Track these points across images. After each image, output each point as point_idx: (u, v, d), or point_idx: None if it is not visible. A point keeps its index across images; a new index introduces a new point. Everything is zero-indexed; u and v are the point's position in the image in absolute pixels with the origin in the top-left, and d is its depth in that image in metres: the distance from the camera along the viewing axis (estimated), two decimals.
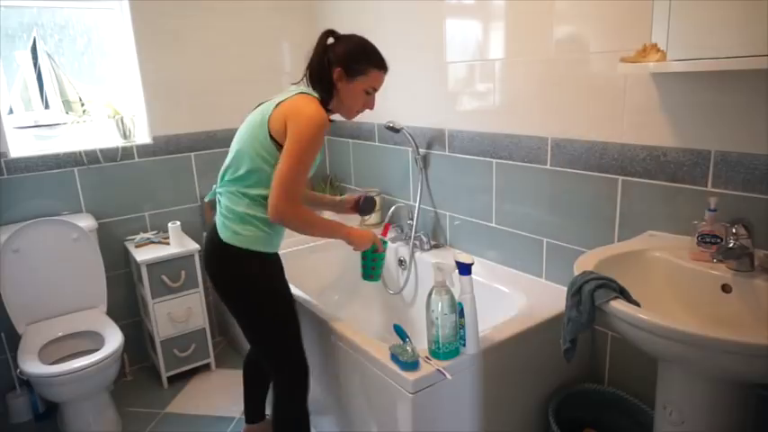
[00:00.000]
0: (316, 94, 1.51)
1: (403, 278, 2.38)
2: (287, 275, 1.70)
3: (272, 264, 1.62)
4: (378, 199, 1.87)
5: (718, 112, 1.35)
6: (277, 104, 1.47)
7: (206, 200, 1.66)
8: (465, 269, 1.41)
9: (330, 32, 1.55)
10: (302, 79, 1.57)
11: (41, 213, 2.28)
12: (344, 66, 1.51)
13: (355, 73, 1.52)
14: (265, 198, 1.47)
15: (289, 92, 1.53)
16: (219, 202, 1.58)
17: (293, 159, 1.40)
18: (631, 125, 1.54)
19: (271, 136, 1.45)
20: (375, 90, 1.58)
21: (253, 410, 1.97)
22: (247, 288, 1.56)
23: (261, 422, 1.98)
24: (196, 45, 2.55)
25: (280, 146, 1.44)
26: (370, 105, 1.60)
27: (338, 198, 1.92)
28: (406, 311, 2.43)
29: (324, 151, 1.62)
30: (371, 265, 1.74)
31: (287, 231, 1.59)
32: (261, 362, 1.81)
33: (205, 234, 1.66)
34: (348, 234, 1.61)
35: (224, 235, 1.52)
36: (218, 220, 1.57)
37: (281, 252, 1.67)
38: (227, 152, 1.58)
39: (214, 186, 1.62)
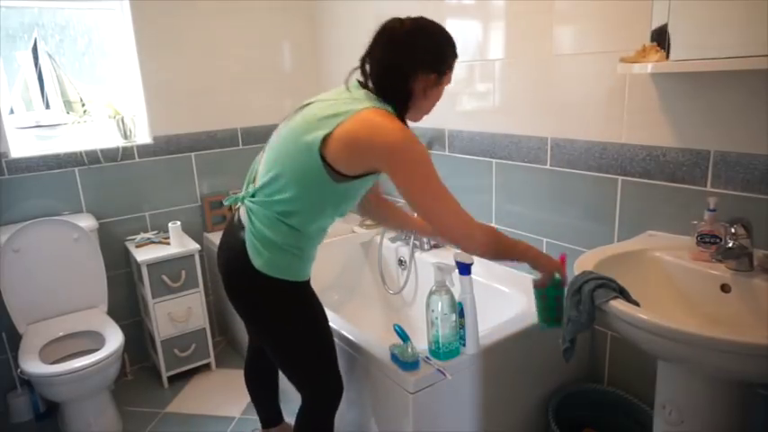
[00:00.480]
0: (387, 107, 1.24)
1: (403, 278, 2.39)
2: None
3: (305, 290, 1.44)
4: None
5: (717, 112, 1.35)
6: (338, 123, 1.19)
7: (225, 204, 1.50)
8: (465, 269, 1.41)
9: (398, 22, 1.27)
10: (366, 86, 1.30)
11: (42, 213, 2.29)
12: (433, 67, 1.26)
13: (443, 73, 1.28)
14: (303, 226, 1.30)
15: (348, 101, 1.24)
16: (250, 218, 1.33)
17: (427, 196, 1.23)
18: (631, 125, 1.54)
19: (323, 158, 1.21)
20: (449, 83, 1.35)
21: (266, 414, 1.84)
22: (280, 318, 1.40)
23: (279, 426, 1.85)
24: (196, 45, 2.55)
25: (336, 171, 1.22)
26: (433, 107, 1.39)
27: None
28: (406, 311, 2.43)
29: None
30: (555, 305, 1.40)
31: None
32: (261, 361, 1.73)
33: (222, 249, 1.45)
34: (535, 258, 1.36)
35: (256, 262, 1.32)
36: (248, 239, 1.33)
37: None
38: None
39: (240, 194, 1.42)
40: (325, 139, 1.19)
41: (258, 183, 1.34)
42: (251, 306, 1.42)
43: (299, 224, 1.30)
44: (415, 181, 1.22)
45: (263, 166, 1.34)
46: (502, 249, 1.32)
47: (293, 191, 1.26)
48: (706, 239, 1.30)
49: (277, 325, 1.42)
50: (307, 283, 1.44)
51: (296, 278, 1.37)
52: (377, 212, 1.67)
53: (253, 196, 1.35)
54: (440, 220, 1.25)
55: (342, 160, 1.21)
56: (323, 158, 1.20)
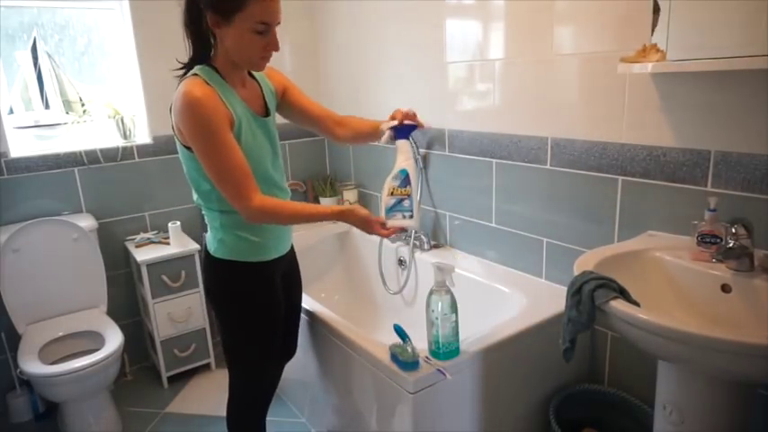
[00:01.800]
0: (190, 74, 1.28)
1: (403, 278, 2.38)
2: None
3: (255, 273, 1.45)
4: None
5: (718, 112, 1.35)
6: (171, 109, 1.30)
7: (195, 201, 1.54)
8: (404, 132, 1.39)
9: None
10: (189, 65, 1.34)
11: (42, 213, 2.28)
12: (214, 7, 1.19)
13: (230, 12, 1.18)
14: (222, 205, 1.35)
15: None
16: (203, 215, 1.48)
17: (205, 159, 1.23)
18: (631, 125, 1.54)
19: (183, 146, 1.30)
20: (268, 25, 1.22)
21: None
22: (223, 298, 1.47)
23: None
24: None
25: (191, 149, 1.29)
26: (274, 46, 1.27)
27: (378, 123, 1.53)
28: (406, 311, 2.43)
29: (269, 124, 1.41)
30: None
31: (283, 232, 1.49)
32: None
33: None
34: (339, 215, 1.35)
35: (211, 247, 1.44)
36: (207, 233, 1.48)
37: None
38: (174, 138, 1.38)
39: None
40: (172, 123, 1.30)
41: None
42: (207, 290, 1.53)
43: (218, 205, 1.36)
44: (197, 145, 1.23)
45: None
46: (283, 220, 1.37)
47: (195, 183, 1.37)
48: (706, 239, 1.30)
49: (220, 303, 1.48)
50: (260, 267, 1.44)
51: (245, 258, 1.41)
52: (346, 134, 1.57)
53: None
54: (217, 186, 1.27)
55: (182, 137, 1.28)
56: (181, 143, 1.31)
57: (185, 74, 1.33)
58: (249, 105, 1.35)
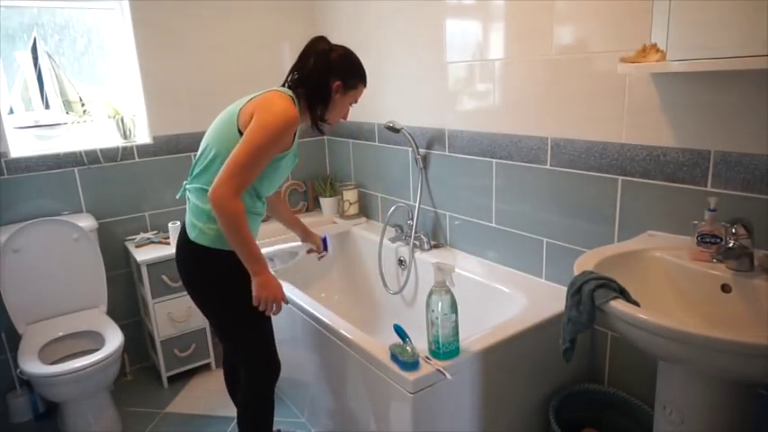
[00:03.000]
0: (291, 94, 1.50)
1: (403, 278, 2.38)
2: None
3: (236, 262, 1.49)
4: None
5: (718, 112, 1.35)
6: (249, 99, 1.47)
7: (177, 197, 1.65)
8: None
9: (323, 39, 1.55)
10: (286, 82, 1.56)
11: (41, 213, 2.28)
12: (344, 79, 1.53)
13: (350, 87, 1.55)
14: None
15: (264, 90, 1.52)
16: (188, 199, 1.55)
17: (250, 145, 1.36)
18: (631, 125, 1.54)
19: (239, 130, 1.43)
20: (356, 103, 1.63)
21: None
22: (214, 288, 1.53)
23: None
24: (196, 45, 2.55)
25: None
26: (347, 116, 1.64)
27: (308, 231, 1.93)
28: (406, 311, 2.43)
29: (298, 155, 1.59)
30: None
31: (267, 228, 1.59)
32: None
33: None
34: (259, 273, 1.44)
35: (191, 234, 1.50)
36: (187, 218, 1.54)
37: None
38: (232, 118, 1.50)
39: (184, 183, 1.59)
40: (240, 111, 1.44)
41: (193, 163, 1.55)
42: (189, 280, 1.57)
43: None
44: (254, 130, 1.38)
45: (199, 149, 1.54)
46: (230, 232, 1.39)
47: (216, 158, 1.45)
48: (706, 239, 1.30)
49: (211, 295, 1.55)
50: (235, 255, 1.50)
51: (228, 246, 1.45)
52: (269, 203, 1.77)
53: (191, 178, 1.55)
54: (230, 161, 1.36)
55: (245, 126, 1.41)
56: (238, 127, 1.43)
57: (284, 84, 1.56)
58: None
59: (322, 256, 1.96)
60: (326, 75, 1.51)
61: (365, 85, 1.61)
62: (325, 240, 1.93)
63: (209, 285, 1.54)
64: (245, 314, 1.53)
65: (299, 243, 1.93)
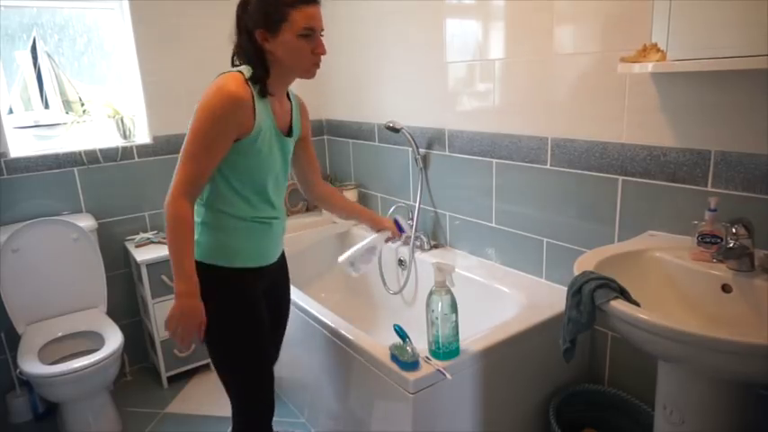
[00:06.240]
0: (238, 70, 1.30)
1: (403, 278, 2.38)
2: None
3: (236, 280, 1.37)
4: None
5: (718, 112, 1.35)
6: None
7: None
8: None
9: (242, 2, 1.31)
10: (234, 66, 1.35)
11: (41, 213, 2.28)
12: (263, 23, 1.25)
13: (276, 24, 1.25)
14: (214, 199, 1.34)
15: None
16: None
17: (189, 136, 1.25)
18: (631, 125, 1.53)
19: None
20: (313, 30, 1.28)
21: None
22: (205, 307, 1.31)
23: None
24: (196, 45, 2.54)
25: None
26: (320, 49, 1.31)
27: (377, 218, 1.71)
28: (406, 311, 2.43)
29: (293, 137, 1.43)
30: None
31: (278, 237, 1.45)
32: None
33: None
34: (182, 294, 1.26)
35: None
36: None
37: None
38: None
39: None
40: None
41: None
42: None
43: (206, 199, 1.35)
44: (195, 123, 1.25)
45: None
46: (168, 235, 1.28)
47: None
48: (707, 239, 1.29)
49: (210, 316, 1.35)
50: (239, 273, 1.37)
51: (223, 262, 1.35)
52: (320, 198, 1.67)
53: None
54: (178, 168, 1.28)
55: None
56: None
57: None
58: (277, 121, 1.37)
59: (402, 239, 1.73)
60: (248, 31, 1.27)
61: (306, 4, 1.26)
62: (397, 222, 1.69)
63: (207, 301, 1.32)
64: (239, 344, 1.38)
65: (374, 235, 1.66)
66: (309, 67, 1.32)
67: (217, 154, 1.26)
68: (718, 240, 1.28)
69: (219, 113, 1.23)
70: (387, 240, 1.69)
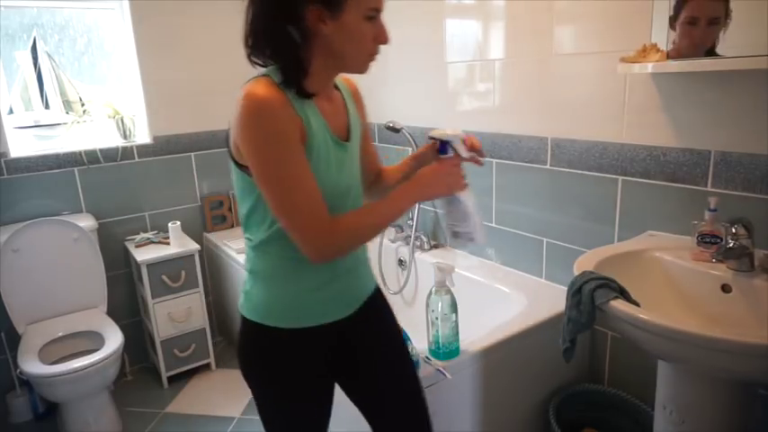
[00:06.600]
0: (267, 72, 1.00)
1: (403, 278, 2.38)
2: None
3: (287, 343, 1.07)
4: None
5: (718, 112, 1.35)
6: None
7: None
8: (444, 147, 1.15)
9: None
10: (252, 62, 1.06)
11: (41, 213, 2.28)
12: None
13: (340, 1, 0.94)
14: (266, 243, 1.04)
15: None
16: None
17: (266, 182, 0.94)
18: (631, 125, 1.53)
19: (236, 163, 1.01)
20: (378, 12, 1.01)
21: None
22: (250, 380, 1.12)
23: None
24: (196, 45, 2.55)
25: (243, 165, 1.00)
26: (384, 37, 1.03)
27: (413, 154, 1.35)
28: (406, 311, 2.43)
29: (340, 166, 1.06)
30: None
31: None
32: None
33: None
34: (416, 185, 1.07)
35: (240, 300, 1.12)
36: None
37: None
38: (227, 152, 1.06)
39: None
40: (229, 132, 1.01)
41: None
42: (240, 366, 1.15)
43: (255, 234, 1.05)
44: (256, 156, 0.93)
45: None
46: (370, 231, 1.03)
47: (242, 206, 1.06)
48: (706, 239, 1.29)
49: (252, 378, 1.13)
50: (294, 334, 1.06)
51: (272, 321, 1.05)
52: (380, 186, 1.35)
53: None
54: (279, 218, 0.96)
55: (240, 153, 0.98)
56: (234, 159, 1.01)
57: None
58: (330, 124, 1.04)
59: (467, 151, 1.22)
60: (289, 13, 0.95)
61: None
62: (442, 145, 1.19)
63: (246, 371, 1.13)
64: (275, 421, 1.14)
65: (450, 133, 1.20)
66: (366, 60, 1.04)
67: (304, 161, 0.95)
68: (718, 240, 1.28)
69: (268, 126, 0.92)
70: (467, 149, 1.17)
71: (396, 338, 1.25)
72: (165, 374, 2.44)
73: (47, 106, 2.45)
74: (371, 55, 1.05)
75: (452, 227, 1.21)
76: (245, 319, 1.09)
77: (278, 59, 0.99)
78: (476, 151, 1.18)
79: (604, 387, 1.73)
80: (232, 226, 2.76)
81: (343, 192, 1.06)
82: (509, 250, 2.03)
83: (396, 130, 2.28)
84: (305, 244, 0.95)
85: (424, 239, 2.34)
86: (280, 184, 0.94)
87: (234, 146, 0.99)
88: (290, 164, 0.93)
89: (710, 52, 1.24)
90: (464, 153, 1.15)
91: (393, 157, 2.52)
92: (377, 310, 1.22)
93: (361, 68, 1.06)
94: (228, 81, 2.64)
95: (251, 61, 1.05)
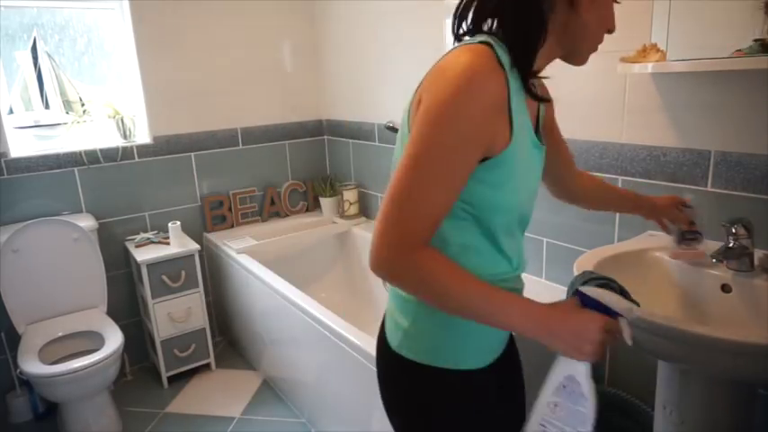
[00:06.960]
0: (483, 40, 0.78)
1: None
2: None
3: (468, 389, 0.92)
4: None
5: (718, 112, 1.35)
6: (417, 88, 0.84)
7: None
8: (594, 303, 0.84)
9: None
10: (466, 32, 0.86)
11: (41, 213, 2.28)
12: None
13: None
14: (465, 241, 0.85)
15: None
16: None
17: (411, 160, 0.75)
18: (631, 125, 1.54)
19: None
20: None
21: None
22: (422, 420, 0.94)
23: None
24: (196, 45, 2.55)
25: None
26: (614, 24, 0.92)
27: (652, 201, 1.22)
28: None
29: (535, 174, 0.91)
30: None
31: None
32: None
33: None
34: (543, 323, 0.87)
35: (393, 338, 0.94)
36: (388, 308, 1.00)
37: None
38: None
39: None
40: (410, 105, 0.85)
41: None
42: (390, 406, 1.00)
43: (442, 239, 0.83)
44: (415, 131, 0.76)
45: None
46: (435, 296, 0.79)
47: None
48: (688, 236, 1.30)
49: (398, 415, 0.98)
50: (472, 376, 0.91)
51: (450, 363, 0.89)
52: (584, 191, 1.19)
53: None
54: (383, 201, 0.78)
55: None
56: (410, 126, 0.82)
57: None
58: (533, 122, 0.89)
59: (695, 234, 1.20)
60: None
61: None
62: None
63: (416, 416, 0.94)
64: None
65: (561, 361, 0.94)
66: (595, 49, 0.93)
67: (459, 177, 0.76)
68: (698, 235, 1.28)
69: (463, 107, 0.73)
70: (681, 241, 1.09)
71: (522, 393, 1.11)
72: (165, 374, 2.44)
73: (47, 106, 2.45)
74: (599, 42, 0.91)
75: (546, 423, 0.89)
76: (404, 360, 0.90)
77: (511, 32, 0.79)
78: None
79: (604, 387, 1.73)
80: (232, 226, 2.76)
81: (524, 199, 0.88)
82: None
83: (396, 130, 2.27)
84: (376, 246, 0.77)
85: None
86: (417, 170, 0.74)
87: (414, 106, 0.82)
88: (443, 165, 0.75)
89: None
90: (626, 333, 0.85)
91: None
92: (514, 354, 1.10)
93: (586, 59, 0.93)
94: (228, 81, 2.66)
95: (456, 33, 0.86)
